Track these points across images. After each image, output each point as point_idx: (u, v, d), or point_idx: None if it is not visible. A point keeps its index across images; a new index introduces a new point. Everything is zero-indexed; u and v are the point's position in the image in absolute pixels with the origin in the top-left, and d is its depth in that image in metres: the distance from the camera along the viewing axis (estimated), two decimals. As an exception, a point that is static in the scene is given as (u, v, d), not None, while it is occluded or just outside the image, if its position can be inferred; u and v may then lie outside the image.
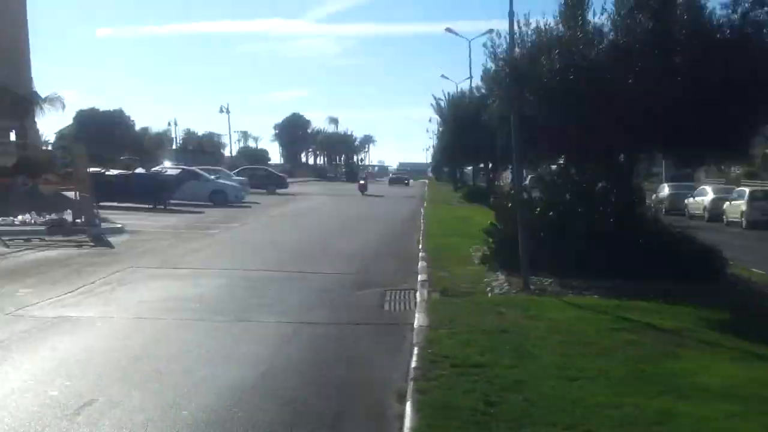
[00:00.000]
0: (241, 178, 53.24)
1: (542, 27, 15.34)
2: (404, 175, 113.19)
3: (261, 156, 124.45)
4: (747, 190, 37.05)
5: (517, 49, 15.75)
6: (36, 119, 53.88)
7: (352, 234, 26.04)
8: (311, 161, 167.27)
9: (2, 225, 22.82)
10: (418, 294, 13.41)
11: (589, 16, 14.98)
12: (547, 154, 18.35)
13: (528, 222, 14.22)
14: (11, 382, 7.98)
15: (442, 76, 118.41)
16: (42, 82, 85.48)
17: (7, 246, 19.39)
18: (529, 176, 28.79)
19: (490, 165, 53.52)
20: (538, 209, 16.01)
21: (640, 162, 17.68)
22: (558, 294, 13.30)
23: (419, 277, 15.13)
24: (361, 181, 67.97)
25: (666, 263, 14.63)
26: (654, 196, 41.78)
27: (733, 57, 13.21)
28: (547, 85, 14.43)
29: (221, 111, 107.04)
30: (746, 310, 12.57)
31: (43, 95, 52.94)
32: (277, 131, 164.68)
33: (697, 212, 39.70)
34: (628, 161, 16.52)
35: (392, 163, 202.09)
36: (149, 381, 8.12)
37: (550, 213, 15.94)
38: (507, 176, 54.51)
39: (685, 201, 41.55)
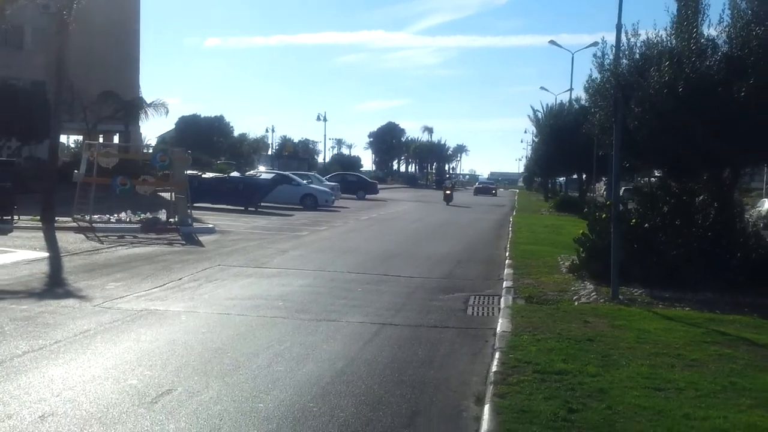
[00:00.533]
0: (332, 183, 53.62)
1: (652, 38, 15.05)
2: (491, 184, 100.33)
3: (353, 163, 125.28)
4: None
5: (624, 61, 15.47)
6: (140, 123, 55.60)
7: (438, 239, 25.93)
8: (403, 169, 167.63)
9: (98, 222, 23.45)
10: (502, 300, 13.21)
11: (703, 28, 14.61)
12: (648, 165, 17.98)
13: (622, 233, 13.86)
14: (92, 370, 8.10)
15: (542, 87, 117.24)
16: (149, 89, 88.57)
17: (101, 242, 19.90)
18: (623, 188, 28.22)
19: (584, 176, 52.79)
20: (633, 220, 15.63)
21: (744, 176, 17.14)
22: (648, 305, 12.91)
23: (504, 284, 14.92)
24: (447, 191, 56.93)
25: (766, 278, 14.10)
26: (753, 211, 40.45)
27: None
28: (655, 96, 14.09)
29: (318, 119, 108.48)
30: None
31: (148, 101, 54.57)
32: (371, 139, 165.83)
33: (799, 228, 38.21)
34: (732, 175, 16.01)
35: (484, 173, 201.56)
36: (229, 374, 8.15)
37: (646, 225, 15.54)
38: (600, 187, 53.70)
39: (787, 217, 40.00)
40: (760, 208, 40.91)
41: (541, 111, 56.59)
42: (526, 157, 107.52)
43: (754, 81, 12.93)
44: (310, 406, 7.19)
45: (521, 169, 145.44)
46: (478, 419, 6.87)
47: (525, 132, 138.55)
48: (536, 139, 63.90)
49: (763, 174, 51.56)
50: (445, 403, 7.60)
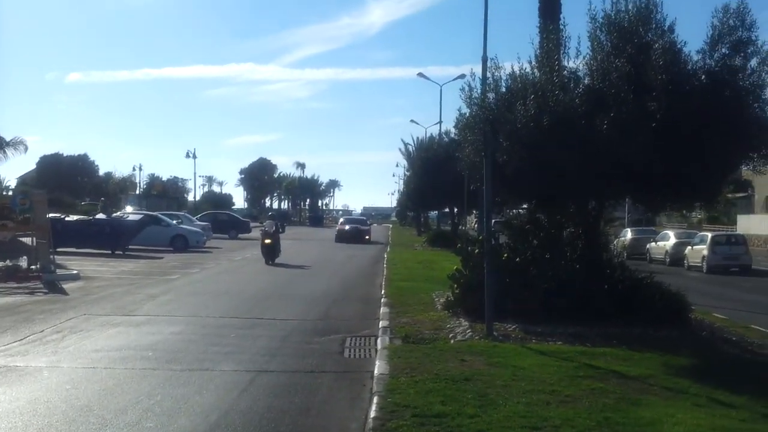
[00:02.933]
0: (203, 222, 52.67)
1: (516, 72, 15.34)
2: (361, 221, 65.20)
3: (225, 201, 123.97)
4: (709, 234, 37.36)
5: (491, 94, 15.72)
6: (-2, 165, 53.37)
7: (313, 278, 25.73)
8: (276, 205, 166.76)
9: (-46, 271, 22.20)
10: (379, 341, 13.11)
11: (565, 61, 14.97)
12: (517, 199, 18.28)
13: (494, 267, 14.02)
14: (-54, 437, 7.56)
15: (412, 120, 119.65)
16: (7, 127, 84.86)
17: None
18: (494, 221, 28.81)
19: (455, 210, 53.66)
20: (505, 255, 15.85)
21: (608, 207, 17.67)
22: (522, 340, 13.07)
23: (380, 323, 14.85)
24: (266, 240, 32.60)
25: (632, 309, 14.55)
26: (616, 241, 42.03)
27: (708, 102, 13.23)
28: (522, 130, 14.34)
29: (188, 156, 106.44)
30: (710, 355, 12.44)
31: (7, 139, 52.46)
32: (242, 176, 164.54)
33: (659, 256, 39.90)
34: (597, 206, 16.48)
35: (357, 207, 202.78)
36: (95, 434, 7.73)
37: (517, 259, 15.80)
38: (472, 220, 54.76)
39: (647, 246, 41.75)
40: (623, 238, 42.55)
41: (412, 144, 57.46)
42: (399, 191, 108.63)
43: (614, 113, 13.35)
44: (183, 465, 6.87)
45: (394, 204, 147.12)
46: (358, 470, 6.71)
47: (397, 166, 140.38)
48: (408, 173, 64.66)
49: (625, 204, 53.71)
50: (323, 454, 7.41)
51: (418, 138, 58.13)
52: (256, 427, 8.14)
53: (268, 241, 32.05)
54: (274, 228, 32.53)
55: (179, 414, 8.58)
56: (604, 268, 15.79)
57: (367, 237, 55.66)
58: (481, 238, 15.77)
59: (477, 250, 15.90)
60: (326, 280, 25.08)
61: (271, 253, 31.71)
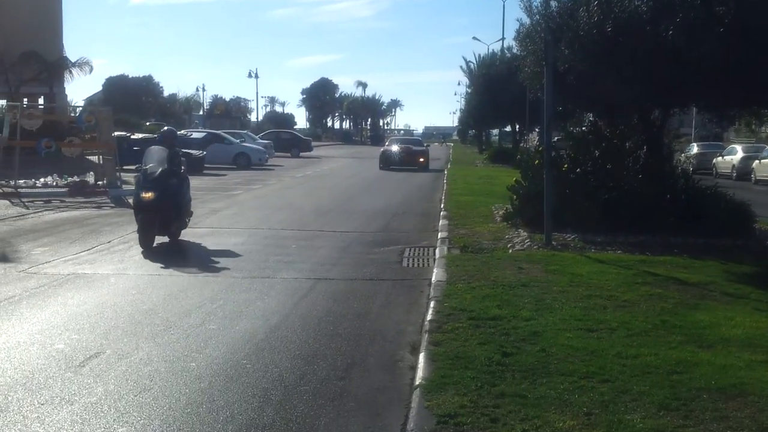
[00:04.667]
0: (265, 141, 53.02)
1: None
2: (414, 142, 49.67)
3: (287, 120, 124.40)
4: (778, 147, 36.40)
5: (553, 2, 15.41)
6: (65, 85, 54.09)
7: (373, 194, 25.87)
8: (337, 126, 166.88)
9: (24, 187, 22.83)
10: (437, 250, 13.19)
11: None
12: (579, 109, 18.00)
13: (554, 178, 13.92)
14: (18, 336, 7.87)
15: (474, 38, 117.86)
16: (74, 50, 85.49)
17: (27, 207, 19.38)
18: (556, 137, 28.45)
19: (518, 127, 53.09)
20: (565, 166, 15.70)
21: (673, 117, 17.30)
22: (580, 250, 13.03)
23: (439, 235, 14.92)
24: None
25: (695, 218, 14.33)
26: (683, 156, 41.30)
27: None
28: (585, 37, 14.06)
29: (250, 76, 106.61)
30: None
31: (72, 60, 53.03)
32: (304, 96, 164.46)
33: (725, 171, 39.07)
34: (661, 116, 16.14)
35: (418, 127, 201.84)
36: (159, 334, 7.98)
37: (577, 169, 15.64)
38: (534, 138, 54.20)
39: (714, 160, 40.90)
40: (689, 153, 41.73)
41: (474, 62, 56.60)
42: (460, 110, 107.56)
43: (681, 19, 12.98)
44: (244, 362, 7.08)
45: (456, 123, 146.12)
46: (414, 368, 6.84)
47: (458, 84, 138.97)
48: (470, 91, 64.02)
49: (692, 119, 52.50)
50: (380, 353, 7.55)
51: (480, 55, 57.28)
52: (315, 329, 8.31)
53: (147, 196, 13.47)
54: (160, 169, 13.71)
55: (241, 317, 8.80)
56: (667, 179, 15.54)
57: (421, 160, 41.55)
58: (541, 149, 15.61)
59: (537, 162, 15.77)
60: (386, 195, 25.18)
61: (149, 228, 13.36)
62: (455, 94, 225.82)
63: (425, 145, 47.29)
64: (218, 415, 5.79)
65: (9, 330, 8.09)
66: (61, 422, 5.60)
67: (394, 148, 42.90)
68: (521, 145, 51.67)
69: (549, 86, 13.53)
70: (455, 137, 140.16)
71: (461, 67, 58.61)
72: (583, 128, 18.45)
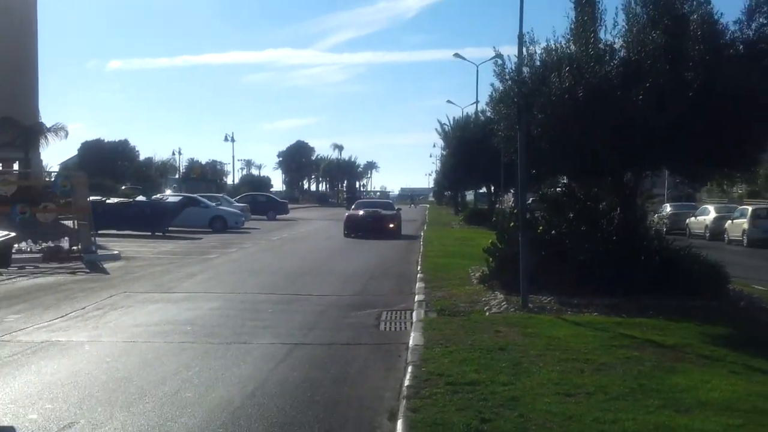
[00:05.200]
0: (242, 204, 53.08)
1: (552, 46, 15.25)
2: (380, 202, 46.37)
3: (263, 183, 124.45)
4: (750, 207, 36.91)
5: (525, 69, 15.69)
6: (41, 150, 54.11)
7: (349, 256, 25.86)
8: (314, 188, 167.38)
9: (-2, 253, 22.60)
10: (414, 314, 13.19)
11: (601, 34, 14.88)
12: (552, 172, 18.22)
13: (530, 240, 14.02)
14: (-10, 406, 7.76)
15: (448, 101, 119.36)
16: (50, 114, 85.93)
17: (0, 274, 19.18)
18: (531, 198, 28.73)
19: (493, 188, 53.50)
20: (540, 228, 15.83)
21: (645, 179, 17.54)
22: (557, 312, 13.06)
23: (416, 298, 14.92)
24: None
25: (668, 280, 14.46)
26: (656, 216, 41.72)
27: (745, 72, 13.08)
28: (556, 102, 14.30)
29: (226, 139, 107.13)
30: (748, 325, 12.34)
31: (48, 125, 53.12)
32: (280, 159, 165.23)
33: (698, 231, 39.50)
34: (634, 179, 16.36)
35: (395, 188, 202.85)
36: (134, 403, 7.89)
37: (552, 232, 15.77)
38: (509, 199, 54.57)
39: (687, 220, 41.35)
40: (662, 213, 42.19)
41: (449, 124, 57.19)
42: (436, 171, 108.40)
43: (650, 84, 13.26)
44: (220, 431, 7.00)
45: (431, 185, 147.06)
46: (392, 435, 6.80)
47: (434, 146, 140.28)
48: (444, 153, 64.60)
49: (665, 180, 53.16)
50: (358, 420, 7.50)
51: (454, 118, 57.78)
52: (292, 397, 8.25)
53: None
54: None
55: (217, 384, 8.72)
56: (640, 240, 15.68)
57: (391, 226, 36.96)
58: (516, 211, 15.74)
59: (512, 224, 15.89)
60: (362, 257, 25.19)
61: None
62: (430, 156, 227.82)
63: (396, 209, 40.73)
64: (194, 487, 5.71)
65: (-19, 400, 7.97)
66: (33, 496, 5.50)
67: (361, 212, 37.68)
68: (497, 206, 52.01)
69: (522, 150, 13.70)
70: (431, 198, 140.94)
71: (436, 129, 59.20)
72: (558, 190, 18.66)
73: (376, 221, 36.70)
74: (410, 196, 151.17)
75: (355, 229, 36.31)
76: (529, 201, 26.69)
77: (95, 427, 7.04)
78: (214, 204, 45.49)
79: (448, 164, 59.85)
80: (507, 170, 37.89)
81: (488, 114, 37.89)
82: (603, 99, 13.77)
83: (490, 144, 21.69)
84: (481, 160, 43.13)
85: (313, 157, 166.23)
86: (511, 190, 46.44)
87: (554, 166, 16.47)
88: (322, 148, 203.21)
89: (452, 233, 38.74)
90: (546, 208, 17.10)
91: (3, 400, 7.95)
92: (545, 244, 15.27)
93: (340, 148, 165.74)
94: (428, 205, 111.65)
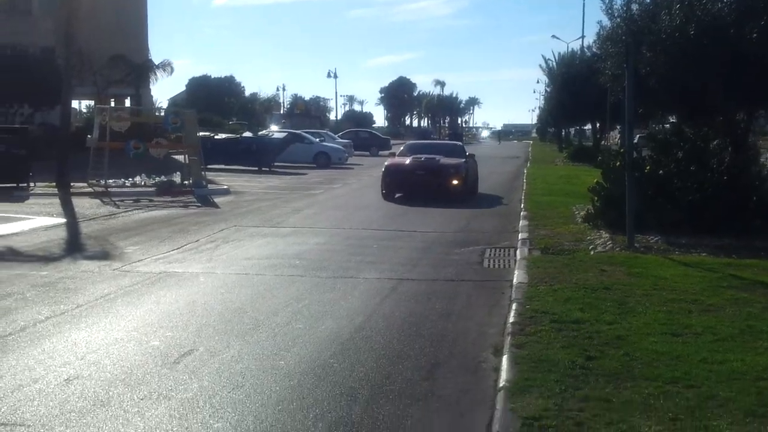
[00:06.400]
0: (345, 140, 53.53)
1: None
2: (441, 144, 32.18)
3: (365, 119, 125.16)
4: None
5: (634, 5, 15.31)
6: (150, 86, 55.54)
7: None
8: (415, 124, 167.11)
9: (114, 186, 23.56)
10: (518, 252, 13.24)
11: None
12: (661, 111, 17.85)
13: (636, 180, 13.83)
14: (115, 333, 8.22)
15: (553, 36, 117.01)
16: (159, 51, 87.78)
17: (117, 206, 20.02)
18: (638, 136, 28.09)
19: (597, 125, 52.48)
20: (648, 167, 15.56)
21: (758, 118, 17.01)
22: (664, 252, 12.90)
23: (520, 236, 14.94)
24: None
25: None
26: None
27: None
28: (666, 40, 13.94)
29: (329, 76, 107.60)
30: None
31: (156, 62, 54.41)
32: (382, 95, 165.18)
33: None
34: (746, 117, 15.88)
35: (496, 125, 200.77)
36: (249, 333, 8.24)
37: (660, 171, 15.49)
38: (614, 136, 53.45)
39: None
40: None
41: (553, 60, 56.18)
42: (539, 107, 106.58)
43: (765, 21, 12.78)
44: (331, 362, 7.28)
45: (534, 120, 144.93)
46: (497, 370, 6.94)
47: (537, 82, 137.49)
48: (549, 89, 63.48)
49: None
50: (463, 355, 7.68)
51: (559, 54, 56.75)
52: (399, 330, 8.47)
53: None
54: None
55: (326, 317, 9.02)
56: (753, 180, 15.27)
57: (454, 183, 23.07)
58: (622, 150, 15.50)
59: (618, 163, 15.66)
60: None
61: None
62: (534, 91, 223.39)
63: (467, 155, 25.41)
64: (308, 412, 5.99)
65: (107, 327, 8.45)
66: (159, 417, 5.86)
67: (407, 160, 23.81)
68: (602, 143, 51.04)
69: (630, 89, 13.43)
70: (534, 135, 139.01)
71: (540, 65, 58.24)
72: (666, 126, 18.26)
73: (429, 175, 23.03)
74: (497, 133, 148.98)
75: (397, 186, 23.30)
76: (636, 140, 26.24)
77: (213, 355, 7.40)
78: (317, 140, 46.03)
79: (553, 101, 58.91)
80: (613, 107, 37.13)
81: (594, 51, 37.12)
82: (715, 36, 13.37)
83: (596, 81, 21.32)
84: (587, 96, 42.24)
85: (415, 93, 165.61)
86: (617, 127, 45.52)
87: (663, 105, 16.14)
88: (424, 84, 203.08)
89: (556, 170, 38.29)
90: (654, 148, 16.77)
91: (127, 328, 8.41)
92: (652, 184, 15.05)
93: (442, 84, 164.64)
94: (531, 142, 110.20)
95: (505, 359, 7.06)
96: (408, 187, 23.06)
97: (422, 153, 24.47)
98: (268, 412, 6.00)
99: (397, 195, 22.81)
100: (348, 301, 9.85)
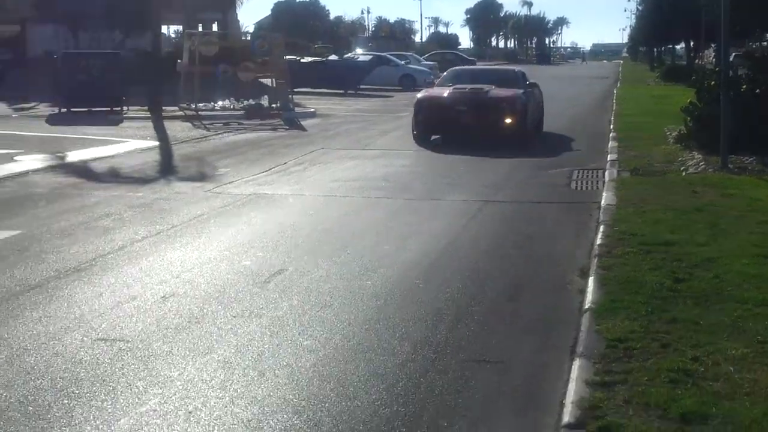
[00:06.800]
0: (430, 63, 53.03)
1: None
2: (487, 70, 28.51)
3: (451, 41, 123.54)
4: None
5: None
6: (237, 10, 55.77)
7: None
8: (501, 45, 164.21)
9: (204, 110, 23.96)
10: (607, 173, 13.03)
11: None
12: (759, 27, 17.17)
13: (731, 100, 13.39)
14: (208, 252, 8.47)
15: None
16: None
17: (208, 129, 20.39)
18: (734, 54, 27.08)
19: (691, 43, 50.74)
20: (744, 87, 15.04)
21: None
22: (759, 173, 12.53)
23: (609, 157, 14.69)
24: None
25: None
26: None
27: None
28: None
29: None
30: None
31: (240, -14, 54.53)
32: (468, 16, 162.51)
33: None
34: None
35: (586, 45, 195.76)
36: (337, 253, 8.38)
37: (757, 90, 14.95)
38: (709, 55, 51.60)
39: None
40: None
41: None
42: (630, 26, 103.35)
43: None
44: (417, 282, 7.38)
45: (625, 40, 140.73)
46: (583, 291, 6.92)
47: (628, 0, 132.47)
48: (641, 6, 61.50)
49: None
50: (549, 276, 7.68)
51: (653, -33, 54.68)
52: (484, 252, 8.52)
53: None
54: None
55: (412, 238, 9.11)
56: None
57: (507, 121, 17.41)
58: (718, 69, 14.99)
59: (713, 83, 15.17)
60: (553, 117, 24.74)
61: None
62: (625, 10, 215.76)
63: (527, 84, 19.45)
64: (394, 332, 6.11)
65: (200, 247, 8.72)
66: (251, 334, 6.07)
67: (446, 93, 18.39)
68: (696, 62, 49.41)
69: (726, 5, 12.91)
70: (625, 54, 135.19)
71: (633, -19, 56.29)
72: (763, 44, 17.56)
73: (473, 112, 17.55)
74: (582, 53, 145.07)
75: (432, 126, 18.12)
76: (732, 58, 25.32)
77: (302, 275, 7.58)
78: (403, 62, 45.74)
79: (644, 18, 57.08)
80: (708, 24, 35.80)
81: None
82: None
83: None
84: (680, 14, 40.84)
85: (502, 14, 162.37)
86: (712, 46, 43.94)
87: (761, 20, 15.48)
88: (511, 4, 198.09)
89: (647, 90, 37.24)
90: (751, 66, 16.16)
91: (219, 248, 8.66)
92: (749, 104, 14.54)
93: (529, 3, 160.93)
94: (621, 62, 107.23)
95: (591, 281, 7.03)
96: (446, 127, 17.77)
97: (469, 82, 18.81)
98: (355, 330, 6.14)
99: (433, 137, 17.77)
100: (433, 222, 9.90)
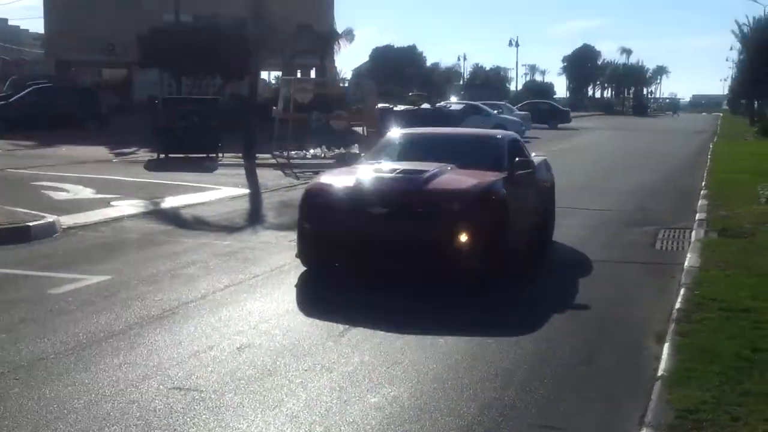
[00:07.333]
0: (523, 112, 52.94)
1: None
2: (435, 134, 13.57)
3: (546, 90, 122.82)
4: None
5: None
6: (335, 56, 56.83)
7: (630, 170, 25.21)
8: (597, 94, 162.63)
9: (295, 158, 24.50)
10: (693, 233, 12.81)
11: None
12: None
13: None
14: (286, 304, 8.69)
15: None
16: (343, 21, 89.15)
17: (298, 178, 20.82)
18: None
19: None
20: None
21: None
22: None
23: (697, 216, 14.43)
24: None
25: None
26: None
27: None
28: None
29: (510, 44, 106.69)
30: None
31: (339, 31, 55.60)
32: (565, 64, 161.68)
33: None
34: None
35: (685, 95, 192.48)
36: (411, 309, 8.46)
37: None
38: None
39: None
40: None
41: (748, 24, 53.31)
42: (731, 77, 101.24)
43: None
44: (489, 342, 7.40)
45: (726, 91, 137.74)
46: (657, 358, 6.83)
47: (731, 49, 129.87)
48: (742, 57, 60.33)
49: None
50: (624, 340, 7.62)
51: (754, 18, 53.76)
52: (560, 305, 8.51)
53: None
54: None
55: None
56: None
57: (462, 239, 9.13)
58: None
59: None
60: (643, 171, 24.50)
61: None
62: (726, 59, 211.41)
63: (518, 160, 10.95)
64: (462, 392, 6.15)
65: (279, 298, 8.92)
66: (321, 388, 6.19)
67: (354, 181, 9.92)
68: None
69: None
70: (725, 107, 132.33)
71: (733, 31, 55.47)
72: None
73: (399, 218, 9.43)
74: (674, 106, 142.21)
75: (328, 244, 9.70)
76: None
77: (374, 332, 7.67)
78: (495, 112, 45.83)
79: (745, 69, 55.94)
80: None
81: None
82: None
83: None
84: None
85: (599, 62, 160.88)
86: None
87: None
88: (609, 52, 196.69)
89: (745, 146, 36.42)
90: None
91: (297, 300, 8.83)
92: None
93: (628, 51, 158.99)
94: (721, 114, 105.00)
95: (666, 347, 6.94)
96: (351, 250, 9.59)
97: (417, 157, 10.95)
98: (424, 388, 6.20)
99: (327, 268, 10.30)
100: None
